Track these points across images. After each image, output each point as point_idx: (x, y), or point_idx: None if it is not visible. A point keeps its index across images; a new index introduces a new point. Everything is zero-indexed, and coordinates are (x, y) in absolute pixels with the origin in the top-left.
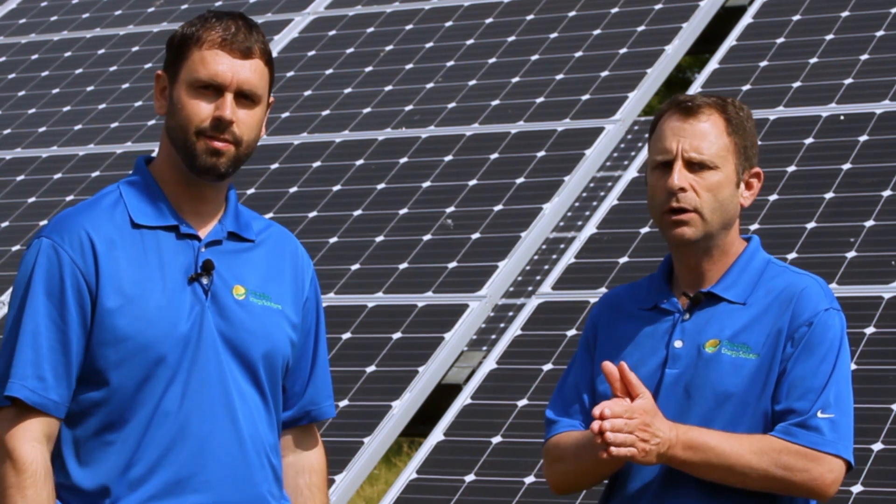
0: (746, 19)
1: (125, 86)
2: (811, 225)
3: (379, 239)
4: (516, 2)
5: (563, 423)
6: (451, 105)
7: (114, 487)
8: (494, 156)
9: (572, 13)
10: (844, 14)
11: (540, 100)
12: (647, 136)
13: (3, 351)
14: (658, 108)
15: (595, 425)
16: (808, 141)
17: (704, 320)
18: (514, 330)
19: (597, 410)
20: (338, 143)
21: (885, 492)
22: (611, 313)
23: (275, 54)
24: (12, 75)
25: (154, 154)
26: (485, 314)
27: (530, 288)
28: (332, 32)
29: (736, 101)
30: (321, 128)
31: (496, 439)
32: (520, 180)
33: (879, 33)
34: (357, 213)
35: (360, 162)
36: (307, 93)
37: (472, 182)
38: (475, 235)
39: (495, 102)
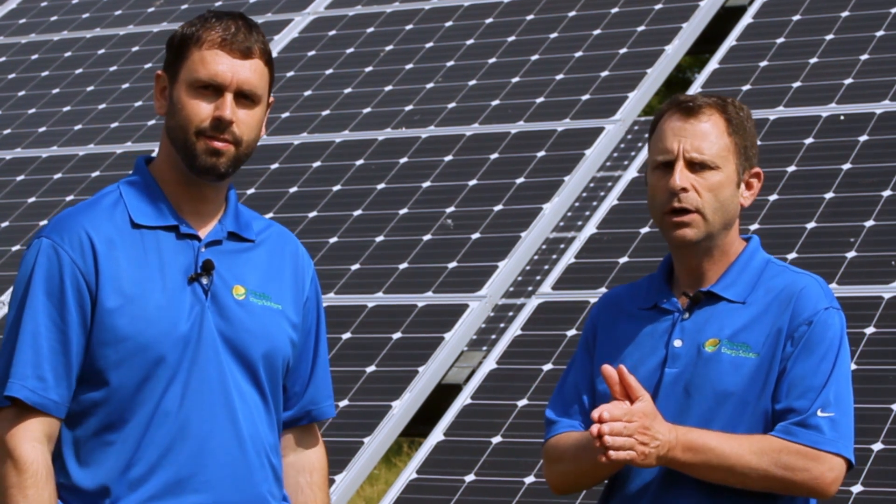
0: (746, 19)
1: (125, 86)
2: (811, 225)
3: (379, 239)
4: (516, 2)
5: (562, 424)
6: (451, 105)
7: (114, 487)
8: (494, 156)
9: (572, 13)
10: (844, 14)
11: (540, 100)
12: (647, 136)
13: (3, 351)
14: (658, 108)
15: (594, 429)
16: (808, 141)
17: (704, 319)
18: (514, 330)
19: (595, 413)
20: (338, 143)
21: (885, 492)
22: (610, 313)
23: (275, 54)
24: (12, 75)
25: (154, 154)
26: (485, 314)
27: (530, 288)
28: (332, 32)
29: (736, 101)
30: (321, 128)
31: (496, 439)
32: (520, 180)
33: (879, 33)
34: (357, 213)
35: (360, 162)
36: (307, 93)
37: (472, 182)
38: (475, 235)
39: (495, 102)
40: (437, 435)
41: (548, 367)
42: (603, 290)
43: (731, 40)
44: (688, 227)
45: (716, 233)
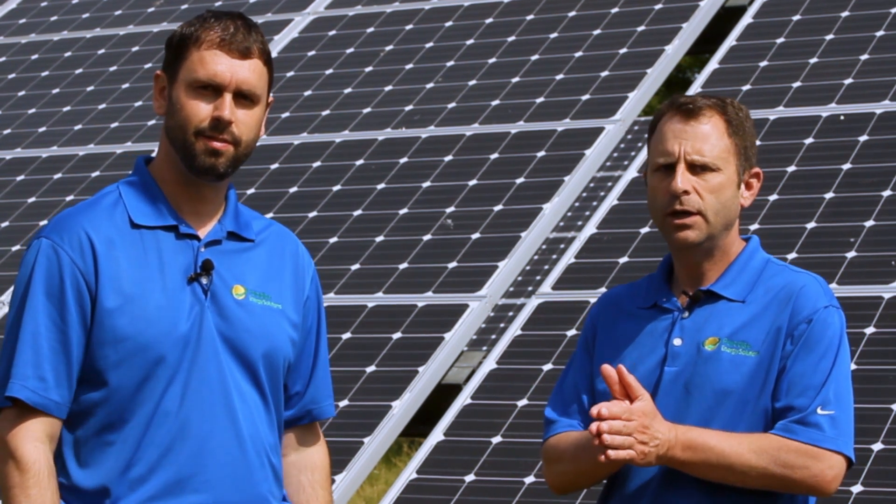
0: (746, 19)
1: (125, 86)
2: (811, 225)
3: (379, 239)
4: (516, 2)
5: (561, 423)
6: (451, 105)
7: (114, 487)
8: (494, 156)
9: (572, 13)
10: (844, 14)
11: (540, 100)
12: (647, 136)
13: (4, 352)
14: (658, 108)
15: (593, 427)
16: (808, 141)
17: (704, 318)
18: (514, 330)
19: (594, 410)
20: (338, 143)
21: (885, 492)
22: (610, 312)
23: (275, 54)
24: (12, 75)
25: (154, 154)
26: (485, 314)
27: (530, 288)
28: (332, 32)
29: (735, 102)
30: (321, 128)
31: (496, 439)
32: (520, 180)
33: (879, 33)
34: (357, 213)
35: (360, 162)
36: (307, 93)
37: (472, 182)
38: (475, 235)
39: (495, 102)
40: (437, 435)
41: (548, 367)
42: (603, 290)
43: (731, 40)
44: (689, 228)
45: (717, 234)
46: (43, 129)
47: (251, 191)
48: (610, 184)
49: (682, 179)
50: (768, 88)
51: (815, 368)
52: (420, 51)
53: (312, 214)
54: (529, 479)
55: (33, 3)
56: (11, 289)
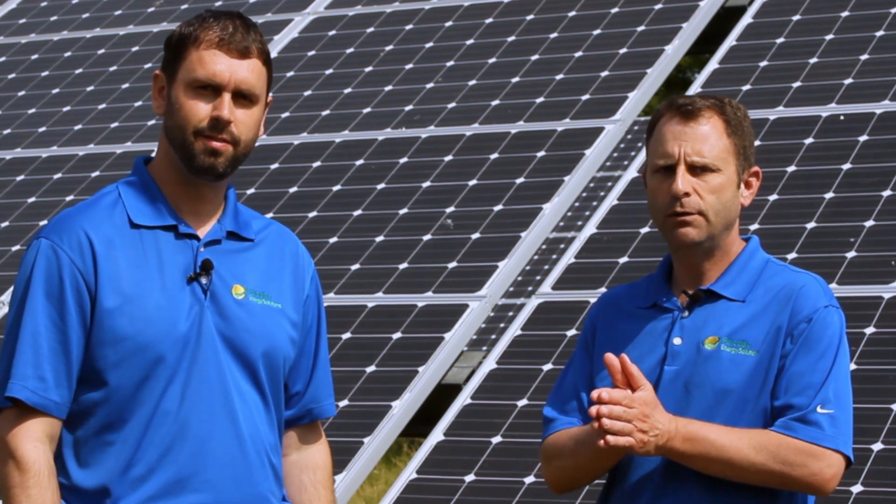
0: (746, 19)
1: (125, 86)
2: (811, 225)
3: (379, 239)
4: (516, 2)
5: (560, 421)
6: (451, 105)
7: (114, 487)
8: (494, 156)
9: (572, 13)
10: (844, 14)
11: (540, 100)
12: (645, 136)
13: (4, 352)
14: (656, 109)
15: (593, 409)
16: (808, 141)
17: (703, 317)
18: (514, 330)
19: (595, 393)
20: (338, 143)
21: (885, 492)
22: (610, 312)
23: (275, 54)
24: (12, 75)
25: (153, 154)
26: (485, 314)
27: (530, 288)
28: (332, 32)
29: (733, 101)
30: (321, 128)
31: (496, 439)
32: (520, 180)
33: (879, 33)
34: (357, 213)
35: (360, 162)
36: (307, 93)
37: (472, 182)
38: (475, 235)
39: (495, 102)
40: (437, 435)
41: (548, 367)
42: (603, 290)
43: (731, 40)
44: (690, 226)
45: (717, 233)
46: (43, 129)
47: (251, 191)
48: (610, 184)
49: (683, 181)
50: (768, 88)
51: (814, 367)
52: (420, 51)
53: (312, 214)
54: (529, 479)
55: (33, 3)
56: (11, 289)
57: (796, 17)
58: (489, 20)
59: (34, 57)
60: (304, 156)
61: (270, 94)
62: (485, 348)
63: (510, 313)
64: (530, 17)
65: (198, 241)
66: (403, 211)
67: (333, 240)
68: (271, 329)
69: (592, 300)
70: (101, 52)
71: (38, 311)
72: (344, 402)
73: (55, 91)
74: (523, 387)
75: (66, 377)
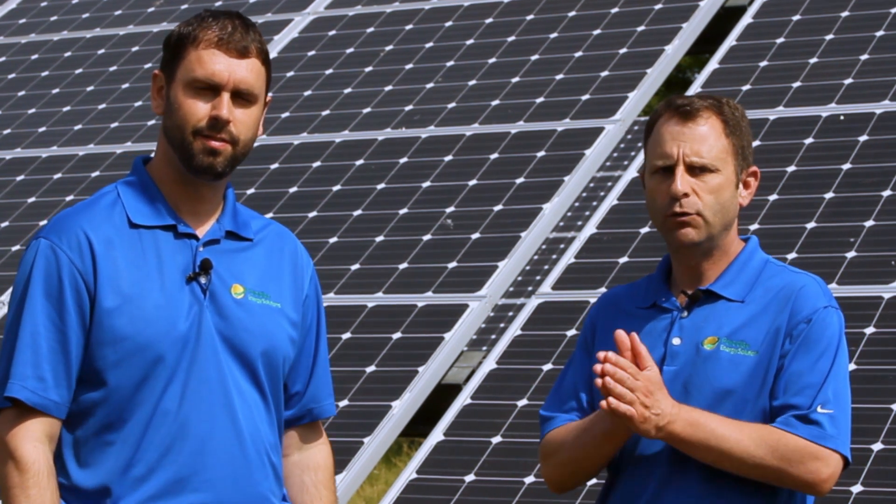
0: (746, 19)
1: (125, 86)
2: (811, 225)
3: (379, 239)
4: (516, 2)
5: (560, 419)
6: (451, 105)
7: (114, 487)
8: (494, 156)
9: (572, 13)
10: (844, 14)
11: (540, 100)
12: (643, 137)
13: (3, 352)
14: (654, 109)
15: (598, 367)
16: (808, 141)
17: (703, 318)
18: (514, 330)
19: (601, 354)
20: (338, 143)
21: (885, 492)
22: (609, 312)
23: (275, 54)
24: (12, 75)
25: (153, 154)
26: (485, 314)
27: (530, 288)
28: (332, 32)
29: (731, 101)
30: (321, 128)
31: (496, 439)
32: (520, 180)
33: (879, 33)
34: (357, 213)
35: (360, 162)
36: (307, 93)
37: (472, 182)
38: (475, 235)
39: (495, 102)
40: (437, 435)
41: (548, 367)
42: (603, 290)
43: (731, 40)
44: (689, 227)
45: (716, 234)
46: (43, 129)
47: (251, 191)
48: (610, 184)
49: (682, 182)
50: (768, 88)
51: (812, 367)
52: (420, 51)
53: (312, 214)
54: (529, 479)
55: (33, 3)
56: (11, 289)
57: (796, 17)
58: (489, 20)
59: (34, 57)
60: (304, 156)
61: (269, 94)
62: (485, 348)
63: (510, 313)
64: (530, 17)
65: (197, 240)
66: (403, 211)
67: (333, 240)
68: (271, 328)
69: (592, 300)
70: (101, 52)
71: (37, 311)
72: (344, 402)
73: (55, 91)
74: (523, 387)
75: (65, 377)
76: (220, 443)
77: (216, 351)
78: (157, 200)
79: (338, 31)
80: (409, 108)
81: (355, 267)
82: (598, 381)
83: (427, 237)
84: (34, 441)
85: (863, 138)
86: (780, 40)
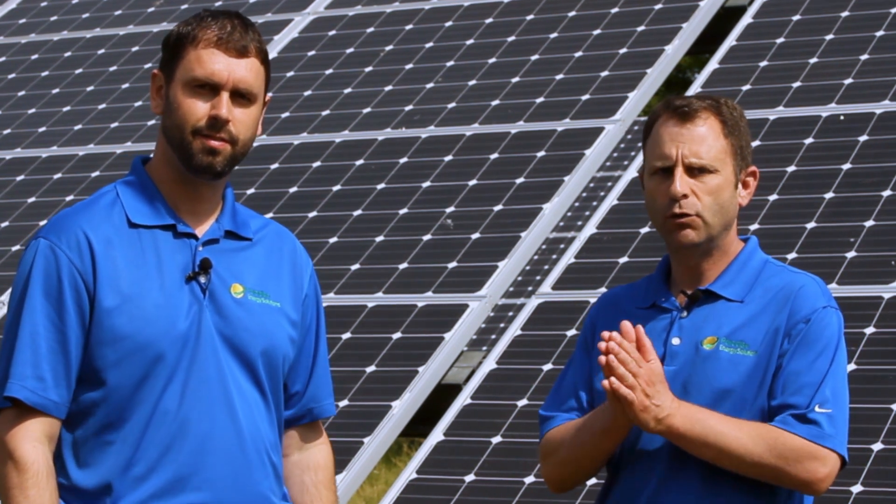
0: (746, 19)
1: (125, 86)
2: (811, 225)
3: (379, 239)
4: (516, 2)
5: (559, 418)
6: (451, 105)
7: (114, 487)
8: (494, 156)
9: (572, 13)
10: (844, 14)
11: (540, 100)
12: (641, 138)
13: (3, 352)
14: (652, 110)
15: (602, 344)
16: (808, 141)
17: (702, 318)
18: (514, 330)
19: (606, 334)
20: (338, 143)
21: (885, 492)
22: (609, 312)
23: (275, 54)
24: (12, 75)
25: (152, 154)
26: (485, 314)
27: (530, 288)
28: (332, 32)
29: (729, 101)
30: (321, 128)
31: (496, 439)
32: (520, 180)
33: (879, 33)
34: (357, 213)
35: (360, 162)
36: (307, 93)
37: (472, 182)
38: (475, 235)
39: (495, 102)
40: (437, 435)
41: (548, 367)
42: (603, 290)
43: (731, 40)
44: (689, 228)
45: (716, 234)
46: (43, 129)
47: (251, 191)
48: (610, 184)
49: (681, 183)
50: (768, 88)
51: (811, 367)
52: (420, 51)
53: (312, 214)
54: (529, 479)
55: (33, 3)
56: (10, 289)
57: (796, 17)
58: (489, 20)
59: (34, 57)
60: (304, 156)
61: (268, 94)
62: (485, 348)
63: (510, 313)
64: (530, 17)
65: (196, 240)
66: (403, 211)
67: (333, 240)
68: (270, 328)
69: (592, 300)
70: (101, 52)
71: (36, 310)
72: (344, 402)
73: (55, 91)
74: (523, 387)
75: (64, 377)
76: (220, 442)
77: (216, 350)
78: (156, 200)
79: (338, 31)
80: (409, 108)
81: (355, 267)
82: (602, 358)
83: (427, 237)
84: (33, 441)
85: (863, 138)
86: (780, 40)
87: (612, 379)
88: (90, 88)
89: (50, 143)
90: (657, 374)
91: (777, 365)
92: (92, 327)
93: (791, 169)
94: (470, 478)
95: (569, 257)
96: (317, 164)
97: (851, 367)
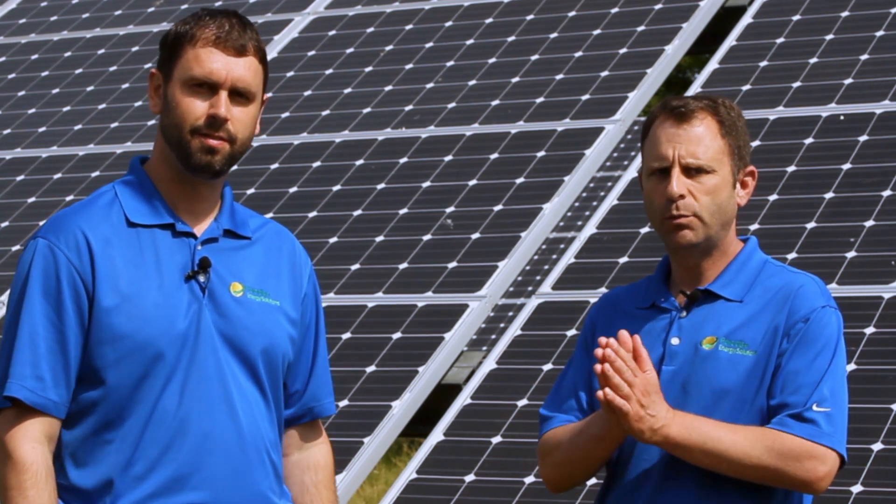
0: (746, 19)
1: (125, 86)
2: (811, 225)
3: (379, 239)
4: (516, 2)
5: (558, 419)
6: (451, 105)
7: (114, 486)
8: (494, 156)
9: (572, 13)
10: (844, 14)
11: (540, 100)
12: (640, 139)
13: (2, 353)
14: (650, 110)
15: (598, 352)
16: (808, 141)
17: (702, 318)
18: (514, 330)
19: (603, 340)
20: (338, 143)
21: (885, 492)
22: (609, 312)
23: (275, 54)
24: (12, 75)
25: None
26: (485, 314)
27: (530, 288)
28: (332, 32)
29: (727, 101)
30: (321, 128)
31: (496, 439)
32: (520, 180)
33: (879, 33)
34: (357, 213)
35: (360, 162)
36: (307, 93)
37: (472, 182)
38: (475, 235)
39: (495, 102)
40: (437, 435)
41: (548, 367)
42: (603, 290)
43: (731, 40)
44: (687, 229)
45: (714, 234)
46: (43, 129)
47: (251, 191)
48: (610, 184)
49: (678, 184)
50: (768, 88)
51: (810, 366)
52: (420, 51)
53: (312, 214)
54: (529, 479)
55: (33, 3)
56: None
57: (796, 17)
58: (489, 20)
59: (34, 57)
60: (304, 156)
61: (267, 94)
62: (485, 348)
63: (510, 313)
64: (530, 17)
65: (195, 239)
66: (403, 211)
67: (333, 240)
68: (270, 326)
69: (592, 300)
70: (101, 52)
71: (35, 310)
72: (344, 402)
73: (55, 91)
74: (523, 387)
75: (64, 377)
76: (219, 441)
77: (215, 349)
78: (154, 199)
79: (338, 31)
80: (409, 108)
81: (355, 267)
82: (598, 366)
83: (427, 237)
84: (33, 442)
85: (863, 138)
86: (780, 40)
87: (607, 390)
88: (90, 88)
89: (50, 143)
90: (652, 384)
91: (776, 365)
92: (91, 327)
93: (791, 169)
94: (470, 478)
95: (569, 257)
96: (317, 164)
97: (851, 367)
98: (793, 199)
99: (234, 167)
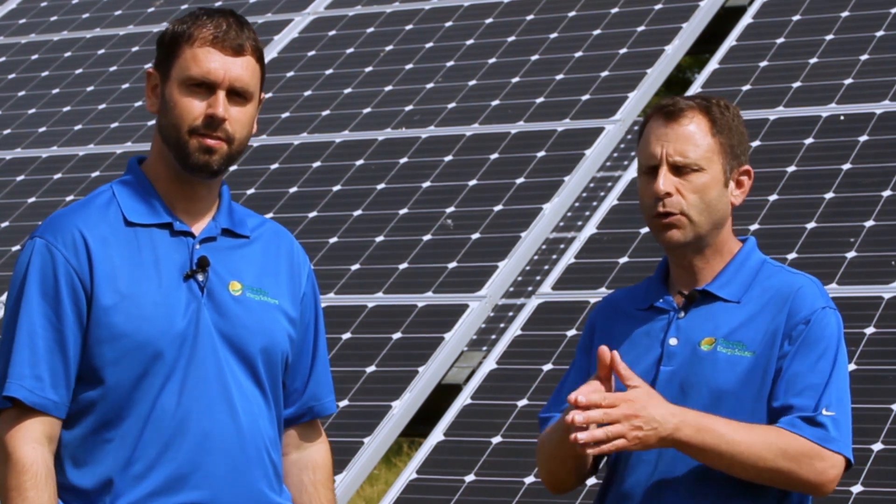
0: (746, 19)
1: (125, 86)
2: (811, 225)
3: (379, 239)
4: (516, 2)
5: (554, 419)
6: (451, 105)
7: (114, 485)
8: (494, 156)
9: (572, 13)
10: (844, 14)
11: (540, 100)
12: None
13: (0, 353)
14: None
15: (568, 417)
16: (808, 141)
17: (700, 318)
18: (514, 330)
19: (572, 396)
20: (338, 143)
21: (885, 492)
22: (608, 315)
23: (275, 54)
24: (12, 75)
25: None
26: (485, 314)
27: (530, 288)
28: (332, 32)
29: (721, 101)
30: (321, 128)
31: (496, 439)
32: (520, 180)
33: (879, 33)
34: (357, 213)
35: (360, 162)
36: (307, 93)
37: (472, 182)
38: (475, 235)
39: (495, 102)
40: (437, 435)
41: (548, 367)
42: (603, 290)
43: (731, 40)
44: (675, 228)
45: (705, 233)
46: (43, 129)
47: (251, 191)
48: (610, 184)
49: (664, 182)
50: (768, 88)
51: (813, 368)
52: (420, 51)
53: (312, 214)
54: (529, 479)
55: (33, 3)
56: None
57: (796, 17)
58: (489, 20)
59: (34, 57)
60: (304, 156)
61: (265, 94)
62: (485, 348)
63: (510, 313)
64: (530, 17)
65: (193, 238)
66: (403, 211)
67: (333, 240)
68: (269, 325)
69: (592, 300)
70: (101, 52)
71: (33, 310)
72: (344, 402)
73: (55, 91)
74: (523, 387)
75: (63, 376)
76: (219, 440)
77: (215, 348)
78: (152, 199)
79: (338, 31)
80: (409, 108)
81: (355, 267)
82: (572, 437)
83: (427, 237)
84: (33, 442)
85: (863, 138)
86: (780, 40)
87: (578, 436)
88: (90, 88)
89: (50, 143)
90: (638, 398)
91: (777, 367)
92: (90, 326)
93: (791, 169)
94: (470, 478)
95: (569, 257)
96: (317, 164)
97: (851, 367)
98: (793, 199)
99: (234, 167)
